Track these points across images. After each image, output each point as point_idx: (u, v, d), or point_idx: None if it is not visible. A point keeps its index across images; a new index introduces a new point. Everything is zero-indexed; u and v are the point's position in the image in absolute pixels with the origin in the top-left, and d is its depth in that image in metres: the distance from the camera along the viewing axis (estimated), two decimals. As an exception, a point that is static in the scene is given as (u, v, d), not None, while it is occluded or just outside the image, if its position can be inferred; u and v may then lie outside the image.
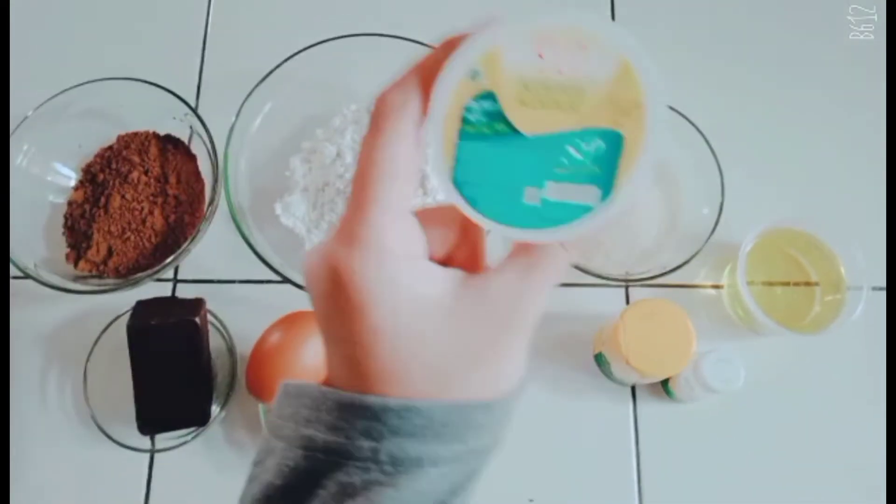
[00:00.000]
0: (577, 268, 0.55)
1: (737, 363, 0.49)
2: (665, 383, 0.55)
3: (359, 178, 0.22)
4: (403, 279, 0.21)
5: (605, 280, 0.56)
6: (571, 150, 0.21)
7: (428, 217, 0.24)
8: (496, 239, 0.23)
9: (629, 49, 0.20)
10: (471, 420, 0.22)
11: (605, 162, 0.21)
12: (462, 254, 0.25)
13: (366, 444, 0.21)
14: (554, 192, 0.22)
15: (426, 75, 0.22)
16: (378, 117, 0.21)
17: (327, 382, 0.23)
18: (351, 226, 0.21)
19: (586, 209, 0.21)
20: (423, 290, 0.22)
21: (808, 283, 0.57)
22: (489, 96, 0.21)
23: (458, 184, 0.22)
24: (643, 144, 0.21)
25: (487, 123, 0.21)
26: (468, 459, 0.22)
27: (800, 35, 0.67)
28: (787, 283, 0.57)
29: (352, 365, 0.22)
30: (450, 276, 0.23)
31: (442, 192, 0.22)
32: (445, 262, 0.24)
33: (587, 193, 0.21)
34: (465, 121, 0.21)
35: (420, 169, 0.22)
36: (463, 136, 0.22)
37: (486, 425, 0.22)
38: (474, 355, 0.22)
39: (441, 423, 0.21)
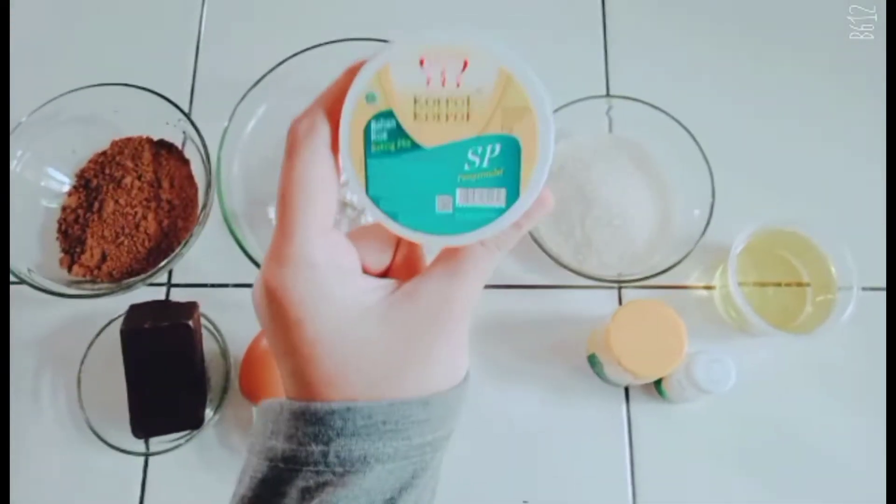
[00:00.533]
0: (570, 269, 0.55)
1: (728, 364, 0.49)
2: (658, 384, 0.55)
3: (281, 202, 0.23)
4: (335, 291, 0.23)
5: (598, 281, 0.56)
6: (472, 158, 0.23)
7: (362, 234, 0.25)
8: (435, 247, 0.24)
9: (509, 60, 0.22)
10: (410, 416, 0.23)
11: (507, 165, 0.23)
12: (401, 265, 0.26)
13: (316, 448, 0.22)
14: (464, 198, 0.23)
15: (332, 102, 0.23)
16: (291, 145, 0.23)
17: (287, 396, 0.25)
18: (280, 247, 0.23)
19: (498, 210, 0.23)
20: (355, 299, 0.23)
21: (799, 284, 0.58)
22: (388, 115, 0.23)
23: (374, 199, 0.24)
24: (539, 145, 0.23)
25: (390, 140, 0.23)
26: (413, 455, 0.23)
27: (799, 35, 0.67)
28: (779, 284, 0.58)
29: (298, 376, 0.23)
30: (382, 285, 0.24)
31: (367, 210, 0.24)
32: (386, 274, 0.26)
33: (495, 196, 0.23)
34: (369, 140, 0.23)
35: (339, 186, 0.24)
36: (370, 154, 0.23)
37: (427, 420, 0.23)
38: (407, 356, 0.23)
39: (381, 422, 0.23)
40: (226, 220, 0.53)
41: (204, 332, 0.55)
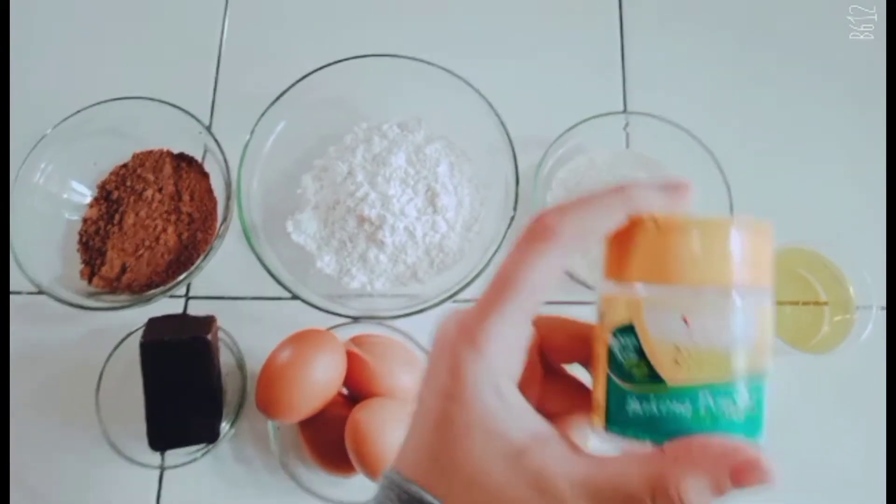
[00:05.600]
0: (586, 286, 0.55)
1: None
2: None
3: (495, 283, 0.22)
4: (501, 414, 0.22)
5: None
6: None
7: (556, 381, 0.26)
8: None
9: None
10: None
11: None
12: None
13: None
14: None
15: (585, 214, 0.22)
16: (532, 235, 0.22)
17: (399, 458, 0.24)
18: (473, 325, 0.22)
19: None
20: (507, 430, 0.22)
21: (816, 303, 0.57)
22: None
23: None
24: None
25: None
26: None
27: (802, 42, 0.67)
28: (796, 303, 0.57)
29: (416, 442, 0.23)
30: (532, 423, 0.23)
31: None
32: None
33: None
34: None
35: (552, 293, 0.23)
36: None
37: None
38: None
39: None
40: (245, 233, 0.54)
41: (221, 345, 0.55)
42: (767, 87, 0.66)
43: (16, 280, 0.56)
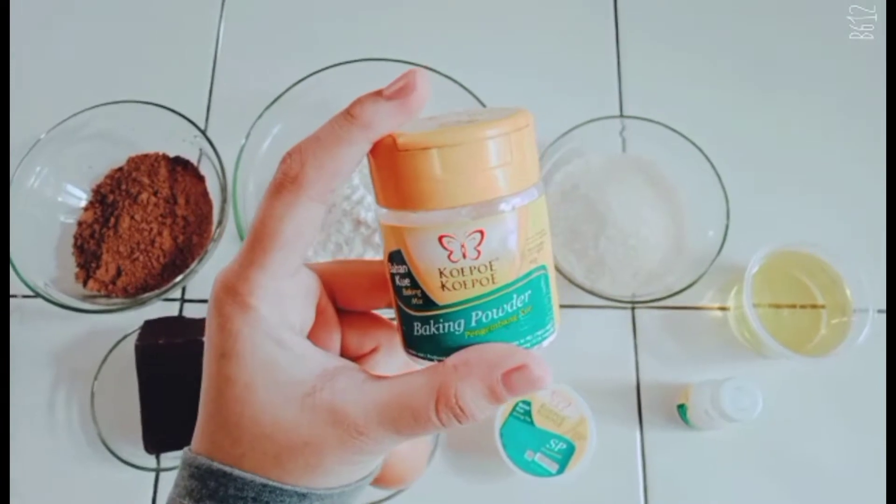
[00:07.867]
0: (583, 289, 0.55)
1: (754, 391, 0.49)
2: (683, 413, 0.54)
3: (249, 240, 0.21)
4: (283, 362, 0.21)
5: (611, 301, 0.56)
6: (553, 443, 0.50)
7: (358, 323, 0.25)
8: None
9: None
10: (283, 501, 0.22)
11: (566, 457, 0.50)
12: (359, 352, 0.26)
13: (186, 502, 0.22)
14: (539, 458, 0.50)
15: (324, 154, 0.21)
16: (277, 186, 0.21)
17: (194, 436, 0.23)
18: (235, 282, 0.21)
19: (550, 472, 0.50)
20: (293, 376, 0.21)
21: (814, 306, 0.57)
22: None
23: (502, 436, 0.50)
24: (585, 452, 0.50)
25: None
26: None
27: (800, 45, 0.67)
28: (794, 306, 0.57)
29: (212, 420, 0.22)
30: (319, 364, 0.22)
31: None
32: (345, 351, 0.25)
33: (552, 466, 0.50)
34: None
35: (312, 239, 0.22)
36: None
37: None
38: (308, 449, 0.21)
39: (252, 499, 0.21)
40: (241, 236, 0.54)
41: (217, 348, 0.55)
42: (764, 90, 0.66)
43: (11, 283, 0.56)
